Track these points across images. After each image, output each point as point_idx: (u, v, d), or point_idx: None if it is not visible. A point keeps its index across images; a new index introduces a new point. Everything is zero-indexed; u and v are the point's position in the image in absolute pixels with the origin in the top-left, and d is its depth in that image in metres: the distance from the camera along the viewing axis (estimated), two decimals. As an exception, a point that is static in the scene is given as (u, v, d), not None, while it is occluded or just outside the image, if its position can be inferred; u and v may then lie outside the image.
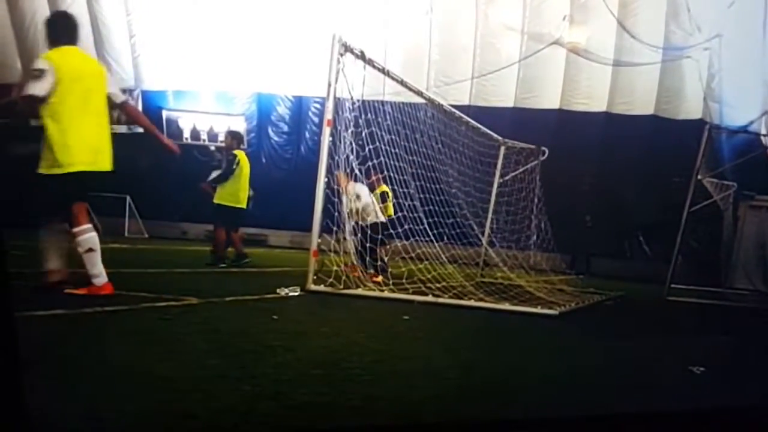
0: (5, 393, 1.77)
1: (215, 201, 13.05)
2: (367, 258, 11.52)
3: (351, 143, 10.08)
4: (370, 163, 10.41)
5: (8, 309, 1.80)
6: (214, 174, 13.42)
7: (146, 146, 25.60)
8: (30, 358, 2.09)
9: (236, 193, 13.01)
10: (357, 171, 10.39)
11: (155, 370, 4.00)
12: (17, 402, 1.79)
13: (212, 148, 24.26)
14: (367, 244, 10.92)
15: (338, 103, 9.69)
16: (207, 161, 20.10)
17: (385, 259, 12.49)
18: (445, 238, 12.29)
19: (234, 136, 14.42)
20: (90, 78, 7.02)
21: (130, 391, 3.53)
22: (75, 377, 3.74)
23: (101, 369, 3.97)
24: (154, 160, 25.30)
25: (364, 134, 10.13)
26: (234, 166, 13.04)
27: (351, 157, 10.08)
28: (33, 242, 6.80)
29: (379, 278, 11.00)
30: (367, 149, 10.17)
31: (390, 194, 12.68)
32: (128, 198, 24.72)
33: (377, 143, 10.30)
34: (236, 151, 13.34)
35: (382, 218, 12.14)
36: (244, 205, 13.21)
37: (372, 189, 12.83)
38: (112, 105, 7.32)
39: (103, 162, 7.11)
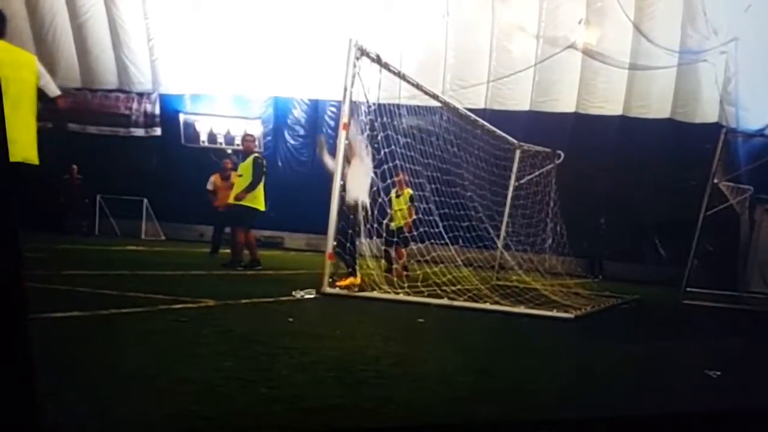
0: (21, 395, 1.79)
1: (244, 204, 12.83)
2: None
3: (367, 146, 10.12)
4: (386, 166, 10.38)
5: (23, 311, 1.82)
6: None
7: (162, 149, 25.94)
8: (46, 361, 2.12)
9: (257, 195, 12.94)
10: (372, 174, 10.37)
11: (171, 372, 4.04)
12: (32, 403, 1.81)
13: (229, 150, 24.34)
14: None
15: (354, 106, 9.71)
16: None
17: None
18: (461, 241, 12.32)
19: (254, 140, 14.45)
20: (13, 67, 6.92)
21: (145, 393, 3.56)
22: (91, 379, 3.77)
23: (117, 370, 4.01)
24: (170, 162, 25.53)
25: (379, 137, 10.15)
26: (264, 169, 13.00)
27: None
28: (49, 244, 6.82)
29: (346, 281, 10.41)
30: (382, 152, 10.19)
31: (413, 197, 12.68)
32: (145, 200, 24.84)
33: (393, 146, 10.32)
34: (257, 155, 13.33)
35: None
36: (263, 207, 13.10)
37: (395, 191, 12.82)
38: (49, 99, 7.25)
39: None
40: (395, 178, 11.45)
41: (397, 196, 13.26)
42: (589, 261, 21.10)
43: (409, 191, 12.98)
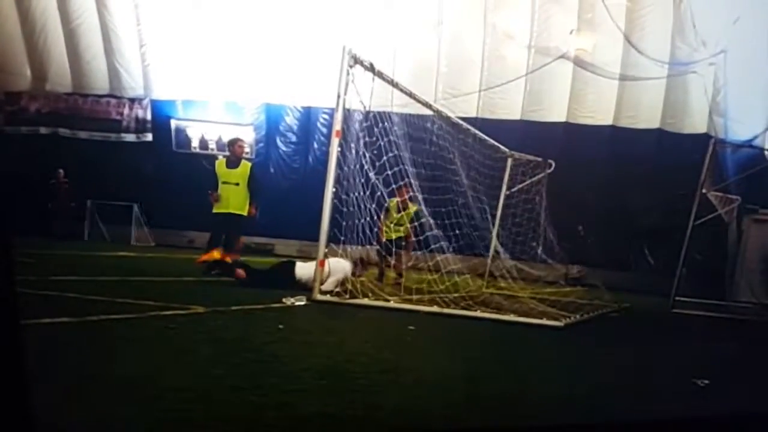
0: (11, 401, 1.79)
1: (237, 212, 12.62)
2: None
3: (358, 153, 10.13)
4: (387, 173, 10.40)
5: (14, 317, 1.83)
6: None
7: (154, 155, 25.86)
8: (34, 367, 2.12)
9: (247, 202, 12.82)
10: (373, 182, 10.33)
11: (160, 379, 4.04)
12: (22, 411, 1.82)
13: (219, 157, 24.25)
14: None
15: (347, 114, 9.72)
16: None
17: None
18: (452, 248, 12.32)
19: (245, 146, 14.29)
20: None
21: (135, 400, 3.56)
22: (80, 385, 3.77)
23: (106, 377, 4.01)
24: (161, 168, 25.45)
25: (376, 145, 10.17)
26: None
27: (365, 166, 10.11)
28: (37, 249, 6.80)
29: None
30: (374, 160, 10.21)
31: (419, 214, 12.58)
32: (135, 206, 24.75)
33: (386, 154, 10.34)
34: (251, 164, 13.18)
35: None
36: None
37: (397, 202, 12.80)
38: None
39: None
40: (397, 188, 11.42)
41: (400, 210, 13.15)
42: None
43: (414, 207, 12.86)
